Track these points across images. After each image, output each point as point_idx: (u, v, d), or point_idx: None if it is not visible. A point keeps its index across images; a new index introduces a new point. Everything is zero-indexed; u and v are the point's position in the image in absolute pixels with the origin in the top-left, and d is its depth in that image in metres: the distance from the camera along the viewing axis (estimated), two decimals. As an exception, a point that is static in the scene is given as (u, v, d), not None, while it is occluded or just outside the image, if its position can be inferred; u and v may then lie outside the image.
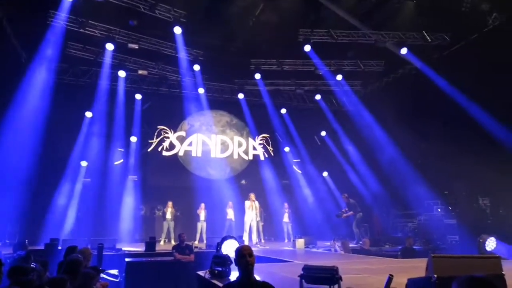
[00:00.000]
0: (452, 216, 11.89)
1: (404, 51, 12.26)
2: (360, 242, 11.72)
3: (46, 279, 4.30)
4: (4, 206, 9.96)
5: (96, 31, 11.55)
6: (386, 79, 14.87)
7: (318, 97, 15.96)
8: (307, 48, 12.42)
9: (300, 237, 11.70)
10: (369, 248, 10.33)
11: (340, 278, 3.26)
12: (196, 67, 13.41)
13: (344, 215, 12.41)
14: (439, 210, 12.35)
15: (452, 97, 11.19)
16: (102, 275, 6.26)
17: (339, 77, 14.16)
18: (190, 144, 15.66)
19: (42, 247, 8.85)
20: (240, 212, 12.84)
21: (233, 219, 13.04)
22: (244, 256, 2.98)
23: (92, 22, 11.36)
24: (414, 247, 10.36)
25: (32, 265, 4.64)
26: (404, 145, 13.27)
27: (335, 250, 10.24)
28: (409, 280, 3.42)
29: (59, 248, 8.52)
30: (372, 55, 13.76)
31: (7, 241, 10.52)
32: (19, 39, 11.10)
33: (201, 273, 5.43)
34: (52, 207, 12.06)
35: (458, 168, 11.31)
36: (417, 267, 5.73)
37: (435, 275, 3.08)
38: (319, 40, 12.42)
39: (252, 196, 12.59)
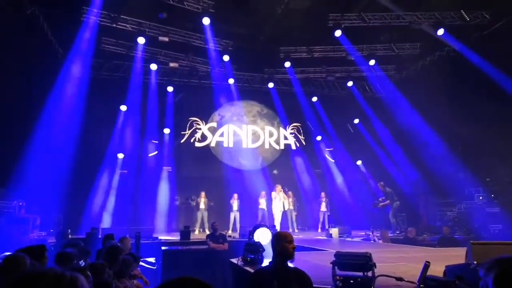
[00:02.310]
0: (495, 204, 11.36)
1: (441, 32, 11.69)
2: (397, 232, 11.46)
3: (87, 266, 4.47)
4: (48, 197, 10.43)
5: (128, 26, 11.79)
6: (422, 62, 14.28)
7: (350, 83, 15.58)
8: (338, 33, 12.10)
9: (334, 227, 11.58)
10: (415, 237, 10.04)
11: (374, 265, 3.17)
12: (226, 58, 13.40)
13: (381, 204, 12.10)
14: (480, 198, 11.83)
15: (493, 79, 10.63)
16: (140, 262, 6.46)
17: (372, 62, 13.72)
18: (221, 135, 15.78)
19: (83, 236, 9.23)
20: (271, 202, 13.01)
21: (265, 208, 13.11)
22: (287, 242, 2.94)
23: (124, 17, 11.59)
24: (454, 236, 10.04)
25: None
26: (442, 131, 12.76)
27: (374, 240, 10.07)
28: (447, 267, 3.29)
29: (99, 237, 8.85)
30: (406, 38, 13.25)
31: (52, 230, 11.05)
32: (55, 36, 11.52)
33: (234, 260, 5.48)
34: (91, 198, 12.55)
35: (501, 153, 10.74)
36: (456, 256, 5.52)
37: (475, 262, 2.94)
38: (350, 24, 12.07)
39: (278, 187, 12.78)
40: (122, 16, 11.56)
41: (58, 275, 1.15)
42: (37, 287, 1.10)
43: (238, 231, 12.07)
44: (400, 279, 3.20)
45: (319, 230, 13.42)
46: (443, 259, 5.17)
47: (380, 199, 12.25)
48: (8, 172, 9.43)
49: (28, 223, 9.68)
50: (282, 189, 13.08)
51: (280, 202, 12.84)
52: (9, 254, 2.91)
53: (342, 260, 3.36)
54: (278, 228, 11.97)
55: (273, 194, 12.95)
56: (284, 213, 13.21)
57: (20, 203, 9.77)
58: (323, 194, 14.04)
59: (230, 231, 12.41)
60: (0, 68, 8.63)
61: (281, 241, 3.00)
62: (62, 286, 1.12)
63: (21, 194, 9.69)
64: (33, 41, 10.20)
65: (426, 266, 3.05)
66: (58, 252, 4.04)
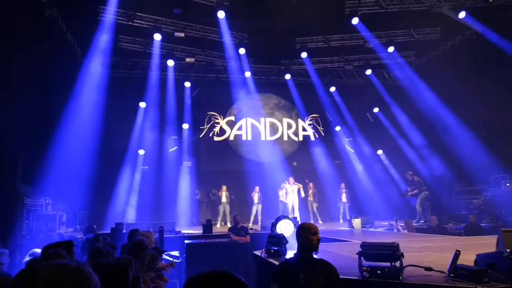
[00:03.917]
0: (523, 191, 11.00)
1: (462, 15, 11.33)
2: (422, 221, 11.26)
3: (114, 260, 4.56)
4: (74, 195, 10.70)
5: (144, 23, 11.88)
6: (443, 47, 13.88)
7: (368, 72, 15.31)
8: (355, 21, 11.87)
9: (356, 217, 11.46)
10: (437, 225, 9.83)
11: (402, 255, 3.11)
12: (242, 51, 13.36)
13: (410, 193, 11.86)
14: (507, 184, 11.46)
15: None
16: (164, 256, 6.56)
17: (391, 49, 13.43)
18: (240, 128, 15.80)
19: (108, 231, 9.42)
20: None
21: (285, 201, 13.08)
22: (311, 234, 2.93)
23: (140, 14, 11.68)
24: (481, 224, 9.79)
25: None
26: (466, 117, 12.40)
27: (398, 230, 9.91)
28: (478, 256, 3.20)
29: (124, 231, 9.02)
30: (426, 23, 12.89)
31: (78, 226, 11.34)
32: (74, 36, 11.71)
33: (257, 252, 5.49)
34: (115, 194, 12.81)
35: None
36: (484, 244, 5.38)
37: (508, 250, 2.84)
38: (367, 11, 11.82)
39: (291, 179, 12.88)
40: (138, 14, 11.65)
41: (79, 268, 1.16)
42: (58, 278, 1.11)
43: (260, 223, 12.10)
44: (429, 269, 3.13)
45: (341, 221, 13.35)
46: (470, 247, 5.05)
47: (409, 188, 12.01)
48: (33, 171, 9.67)
49: (55, 220, 9.94)
50: (294, 182, 13.03)
51: (293, 194, 12.82)
52: (51, 250, 3.03)
53: (369, 251, 3.31)
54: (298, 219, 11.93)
55: (287, 186, 12.93)
56: (305, 205, 13.15)
57: (47, 201, 10.04)
58: (343, 185, 13.95)
59: (251, 224, 12.43)
60: (22, 70, 8.81)
61: (305, 233, 2.98)
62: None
63: (46, 192, 9.94)
64: (52, 42, 10.37)
65: (456, 255, 2.98)
66: (92, 247, 4.15)
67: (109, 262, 3.34)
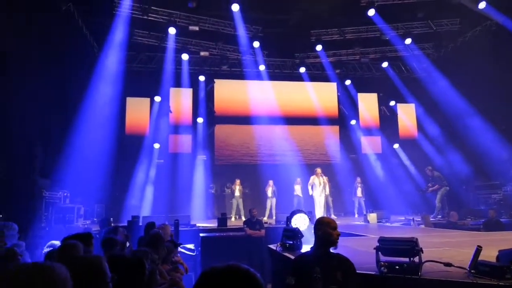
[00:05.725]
0: (545, 186, 10.72)
1: (482, 5, 11.02)
2: (439, 216, 11.07)
3: (129, 250, 4.61)
4: (91, 188, 10.86)
5: (158, 17, 11.92)
6: (462, 39, 13.56)
7: (385, 64, 15.06)
8: (371, 12, 11.68)
9: (372, 212, 11.33)
10: (457, 221, 9.65)
11: (421, 250, 3.05)
12: (256, 44, 13.29)
13: (430, 189, 11.58)
14: (529, 179, 11.19)
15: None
16: (179, 249, 6.61)
17: (408, 41, 13.18)
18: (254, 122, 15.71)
19: (124, 223, 9.53)
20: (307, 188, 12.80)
21: (300, 195, 12.96)
22: (331, 228, 2.93)
23: (154, 8, 11.72)
24: (500, 219, 9.58)
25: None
26: (485, 110, 12.11)
27: (416, 224, 9.78)
28: (500, 251, 3.11)
29: (140, 224, 9.12)
30: (444, 14, 12.59)
31: (95, 219, 11.52)
32: (90, 30, 11.83)
33: (272, 246, 5.47)
34: (131, 187, 12.96)
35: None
36: (505, 240, 5.26)
37: (533, 246, 2.76)
38: (384, 2, 11.61)
39: (318, 170, 12.46)
40: (152, 8, 11.70)
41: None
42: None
43: (274, 217, 12.07)
44: (448, 264, 3.07)
45: (356, 215, 13.22)
46: (491, 243, 4.93)
47: (429, 184, 11.76)
48: (52, 165, 9.83)
49: (73, 212, 10.11)
50: (322, 173, 12.69)
51: (320, 187, 12.47)
52: (68, 241, 3.07)
53: (387, 246, 3.25)
54: (320, 214, 11.77)
55: (313, 178, 12.41)
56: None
57: (65, 194, 10.20)
58: (358, 179, 13.77)
59: (266, 218, 12.41)
60: (39, 65, 8.93)
61: (325, 227, 2.95)
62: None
63: (65, 185, 10.11)
64: (69, 36, 10.49)
65: (478, 250, 2.90)
66: (104, 238, 4.19)
67: (125, 255, 3.37)
